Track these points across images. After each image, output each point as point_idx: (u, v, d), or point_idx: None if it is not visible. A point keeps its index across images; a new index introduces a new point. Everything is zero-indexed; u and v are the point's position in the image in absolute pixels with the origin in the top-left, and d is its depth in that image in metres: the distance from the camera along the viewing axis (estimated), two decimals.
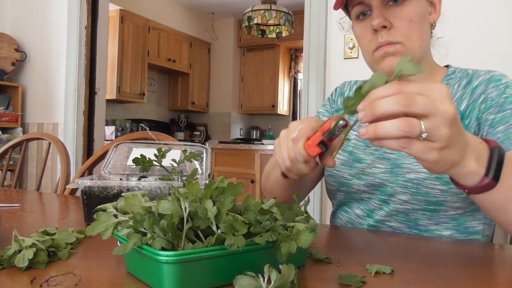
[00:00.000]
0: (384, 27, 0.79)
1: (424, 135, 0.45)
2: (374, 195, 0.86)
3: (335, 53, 2.17)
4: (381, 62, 0.83)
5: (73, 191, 1.41)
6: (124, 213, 0.51)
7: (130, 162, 0.88)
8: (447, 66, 0.93)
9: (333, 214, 1.01)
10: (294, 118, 5.71)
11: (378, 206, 0.86)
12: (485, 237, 0.85)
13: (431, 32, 0.89)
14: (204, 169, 0.86)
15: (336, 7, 0.85)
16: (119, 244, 0.49)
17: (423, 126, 0.44)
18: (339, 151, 0.94)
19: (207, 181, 0.58)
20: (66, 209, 1.02)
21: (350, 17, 0.92)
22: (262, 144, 4.17)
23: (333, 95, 1.05)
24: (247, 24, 3.49)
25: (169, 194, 0.63)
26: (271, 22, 3.40)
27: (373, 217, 0.87)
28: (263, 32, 3.77)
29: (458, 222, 0.82)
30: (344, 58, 2.14)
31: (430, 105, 0.45)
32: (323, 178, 1.00)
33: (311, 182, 0.99)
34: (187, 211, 0.46)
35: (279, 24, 3.46)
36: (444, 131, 0.45)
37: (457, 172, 0.53)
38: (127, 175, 0.88)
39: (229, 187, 0.49)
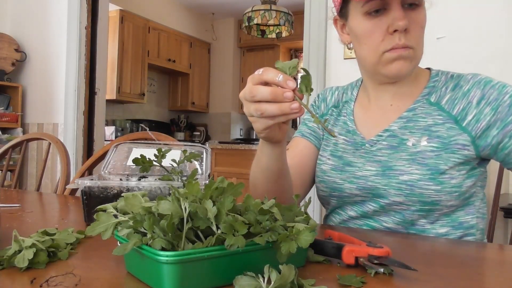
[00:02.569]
0: (404, 29, 0.79)
1: None
2: (368, 198, 0.86)
3: (335, 53, 2.17)
4: (389, 64, 0.82)
5: (73, 191, 1.41)
6: (124, 213, 0.51)
7: (130, 162, 0.88)
8: (428, 68, 0.93)
9: (326, 218, 1.01)
10: (294, 118, 5.70)
11: (373, 208, 0.86)
12: (480, 231, 0.86)
13: None
14: (204, 169, 0.86)
15: None
16: (119, 244, 0.49)
17: None
18: (328, 157, 0.94)
19: (207, 181, 0.58)
20: (66, 209, 1.02)
21: (340, 9, 0.87)
22: None
23: (316, 102, 1.05)
24: (247, 24, 3.49)
25: (169, 194, 0.63)
26: (271, 22, 3.40)
27: (371, 218, 0.87)
28: (263, 32, 3.78)
29: (452, 219, 0.83)
30: (344, 58, 2.14)
31: None
32: (314, 184, 0.99)
33: (302, 185, 0.97)
34: (187, 211, 0.46)
35: (279, 24, 3.46)
36: None
37: None
38: (127, 175, 0.88)
39: (229, 187, 0.49)
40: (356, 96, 0.98)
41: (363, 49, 0.85)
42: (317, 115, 1.02)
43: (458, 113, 0.82)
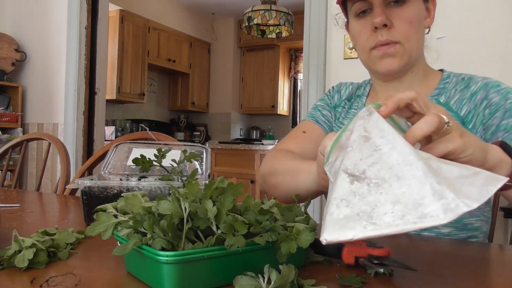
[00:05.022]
0: (385, 25, 0.81)
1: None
2: None
3: (335, 53, 2.17)
4: (378, 62, 0.84)
5: (73, 191, 1.41)
6: (124, 213, 0.51)
7: (130, 162, 0.88)
8: (441, 70, 0.93)
9: None
10: (294, 118, 5.70)
11: None
12: (483, 234, 0.86)
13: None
14: (204, 169, 0.86)
15: (338, 1, 0.86)
16: (119, 244, 0.49)
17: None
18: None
19: (207, 181, 0.58)
20: (66, 209, 1.02)
21: (346, 15, 0.92)
22: (262, 144, 4.17)
23: (331, 92, 1.06)
24: (247, 24, 3.49)
25: (169, 194, 0.63)
26: (271, 22, 3.40)
27: None
28: (263, 32, 3.77)
29: (456, 220, 0.82)
30: (344, 58, 2.14)
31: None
32: None
33: None
34: (187, 211, 0.46)
35: (279, 24, 3.46)
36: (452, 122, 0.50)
37: (493, 161, 0.54)
38: (127, 175, 0.88)
39: (229, 187, 0.49)
40: (369, 92, 0.99)
41: (357, 48, 0.89)
42: (330, 105, 1.04)
43: (465, 116, 0.83)
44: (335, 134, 0.52)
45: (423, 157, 0.42)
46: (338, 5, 0.90)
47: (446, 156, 0.49)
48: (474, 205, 0.37)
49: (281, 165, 0.86)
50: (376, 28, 0.81)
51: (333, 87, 1.07)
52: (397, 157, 0.41)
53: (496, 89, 0.82)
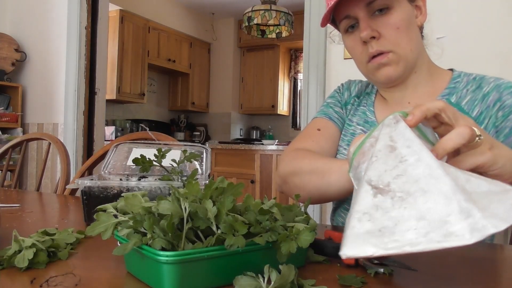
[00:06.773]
0: (373, 37, 0.81)
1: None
2: None
3: (335, 54, 2.17)
4: (376, 72, 0.84)
5: (73, 191, 1.41)
6: (124, 213, 0.51)
7: (130, 162, 0.88)
8: (451, 69, 0.92)
9: (334, 212, 1.00)
10: (294, 118, 5.70)
11: None
12: (490, 236, 0.85)
13: (422, 34, 0.90)
14: (204, 169, 0.86)
15: (323, 24, 0.86)
16: (119, 244, 0.49)
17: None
18: (345, 147, 0.95)
19: (207, 181, 0.58)
20: (66, 209, 1.02)
21: (339, 30, 0.92)
22: (262, 144, 4.17)
23: (341, 89, 1.05)
24: (247, 24, 3.49)
25: (169, 194, 0.63)
26: (271, 22, 3.40)
27: None
28: (263, 32, 3.78)
29: None
30: (344, 59, 2.14)
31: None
32: None
33: None
34: (187, 211, 0.46)
35: (279, 24, 3.46)
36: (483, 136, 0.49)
37: None
38: (127, 175, 0.88)
39: (229, 187, 0.49)
40: (377, 90, 0.99)
41: (355, 62, 0.90)
42: (341, 102, 1.03)
43: (477, 117, 0.82)
44: (360, 138, 0.51)
45: (450, 170, 0.41)
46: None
47: (475, 170, 0.48)
48: (502, 226, 0.36)
49: (306, 164, 0.84)
50: (364, 42, 0.82)
51: (342, 84, 1.06)
52: (424, 169, 0.40)
53: (509, 90, 0.81)
